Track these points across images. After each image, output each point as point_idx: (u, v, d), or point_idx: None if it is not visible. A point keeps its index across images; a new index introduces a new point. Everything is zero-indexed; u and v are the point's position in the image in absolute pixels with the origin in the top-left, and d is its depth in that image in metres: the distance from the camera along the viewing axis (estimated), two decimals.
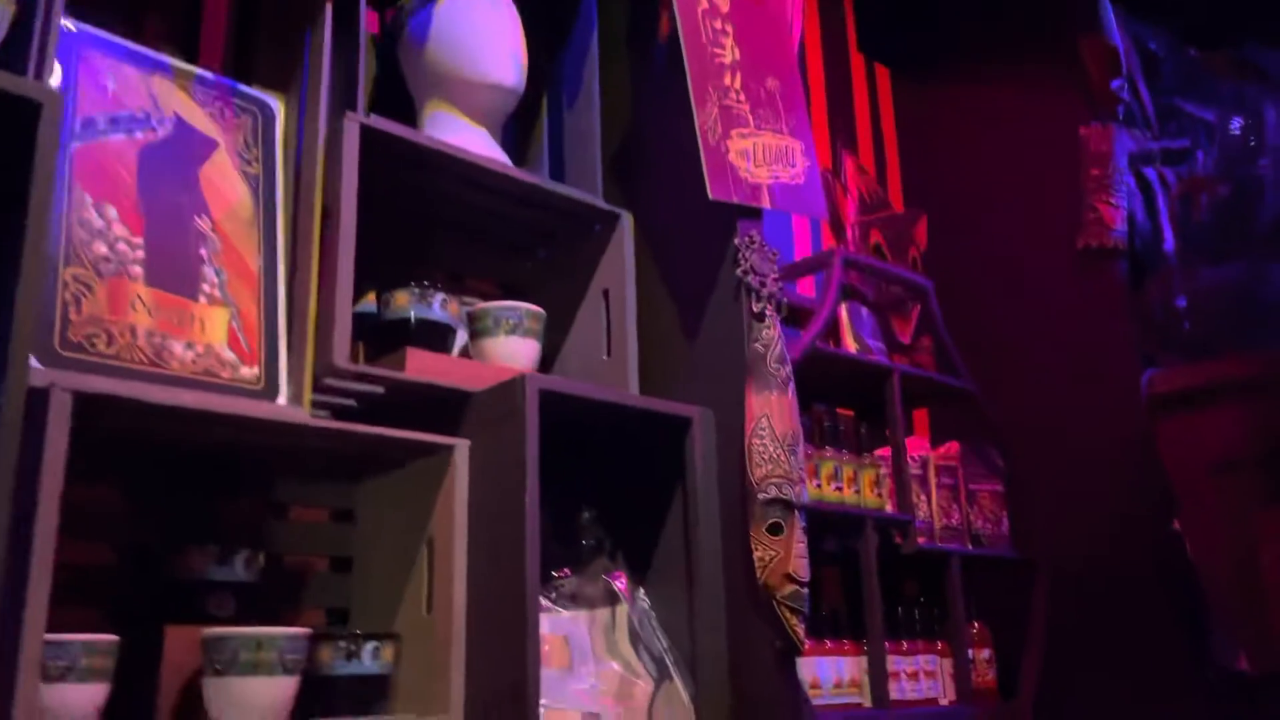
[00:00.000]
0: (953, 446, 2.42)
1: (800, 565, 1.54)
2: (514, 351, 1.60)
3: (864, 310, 2.39)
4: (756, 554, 1.55)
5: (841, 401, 2.28)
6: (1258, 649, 2.11)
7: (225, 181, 1.46)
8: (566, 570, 1.60)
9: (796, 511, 1.57)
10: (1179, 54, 2.81)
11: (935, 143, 3.05)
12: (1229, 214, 2.56)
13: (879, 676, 1.98)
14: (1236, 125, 2.58)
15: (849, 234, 2.77)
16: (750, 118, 1.73)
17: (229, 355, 1.37)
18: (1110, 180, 2.60)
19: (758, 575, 1.54)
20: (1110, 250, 2.56)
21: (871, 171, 3.01)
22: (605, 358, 1.77)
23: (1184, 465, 2.35)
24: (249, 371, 1.38)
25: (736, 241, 1.68)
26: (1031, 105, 2.85)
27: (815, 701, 1.88)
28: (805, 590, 1.54)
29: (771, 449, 1.58)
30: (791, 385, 1.64)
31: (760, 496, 1.56)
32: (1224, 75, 2.60)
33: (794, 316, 2.29)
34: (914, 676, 2.08)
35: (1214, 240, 2.57)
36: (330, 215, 1.45)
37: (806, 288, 2.58)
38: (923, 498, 2.25)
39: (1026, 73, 2.89)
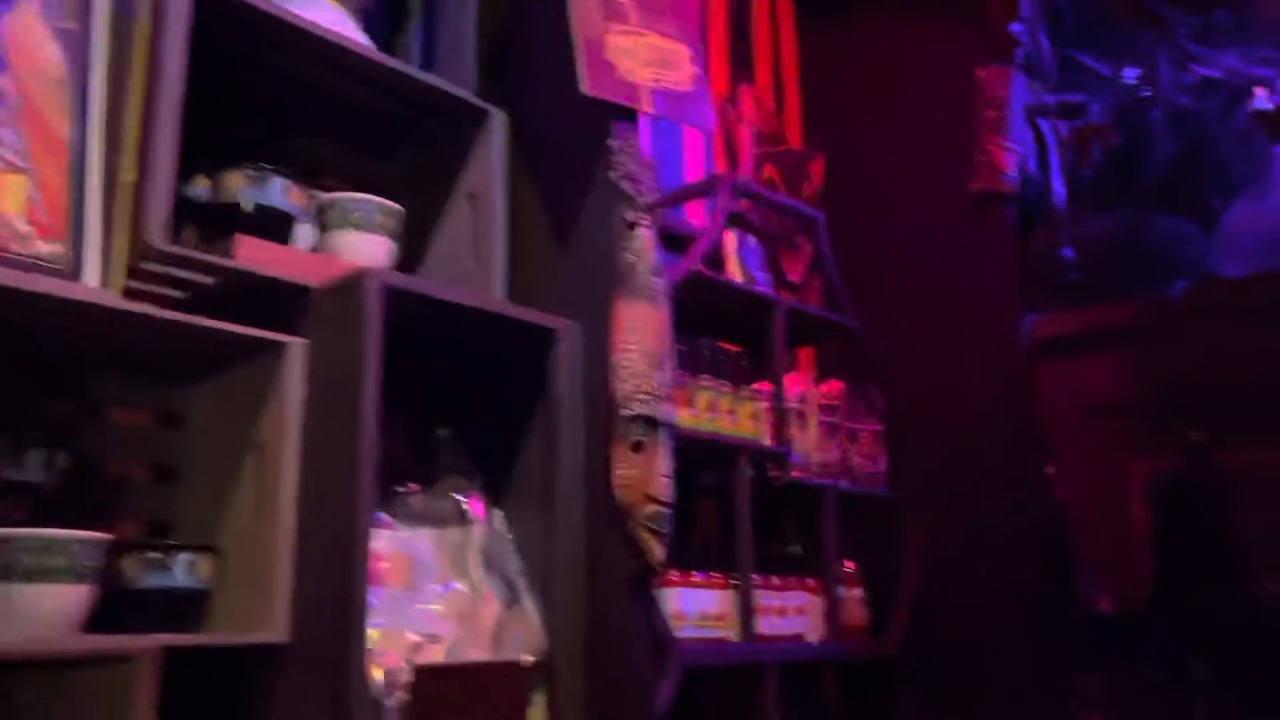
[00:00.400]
0: (835, 384, 2.38)
1: (662, 485, 1.47)
2: (364, 248, 1.47)
3: (753, 244, 2.32)
4: (617, 472, 1.47)
5: (727, 334, 2.21)
6: (1121, 590, 2.13)
7: (30, 36, 1.29)
8: (415, 486, 1.49)
9: (661, 430, 1.49)
10: (1081, 4, 2.79)
11: (835, 80, 2.98)
12: (1119, 163, 2.56)
13: (747, 611, 1.93)
14: (1131, 76, 2.57)
15: (742, 165, 2.69)
16: (634, 13, 1.62)
17: (24, 227, 1.21)
18: (1005, 124, 2.57)
19: (616, 494, 1.46)
20: (1001, 194, 2.54)
21: (770, 106, 2.93)
22: (471, 265, 1.66)
23: (1061, 410, 2.35)
24: (49, 248, 1.23)
25: (612, 144, 1.57)
26: (933, 47, 2.81)
27: (680, 633, 1.82)
28: (666, 511, 1.46)
29: (639, 364, 1.49)
30: (664, 300, 1.55)
31: (623, 413, 1.48)
32: (1123, 23, 2.58)
33: (679, 243, 2.20)
34: (783, 613, 2.04)
35: (1103, 189, 2.57)
36: (154, 81, 1.29)
37: (697, 217, 2.50)
38: (801, 433, 2.20)
39: (929, 13, 2.83)
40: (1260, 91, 2.44)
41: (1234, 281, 2.17)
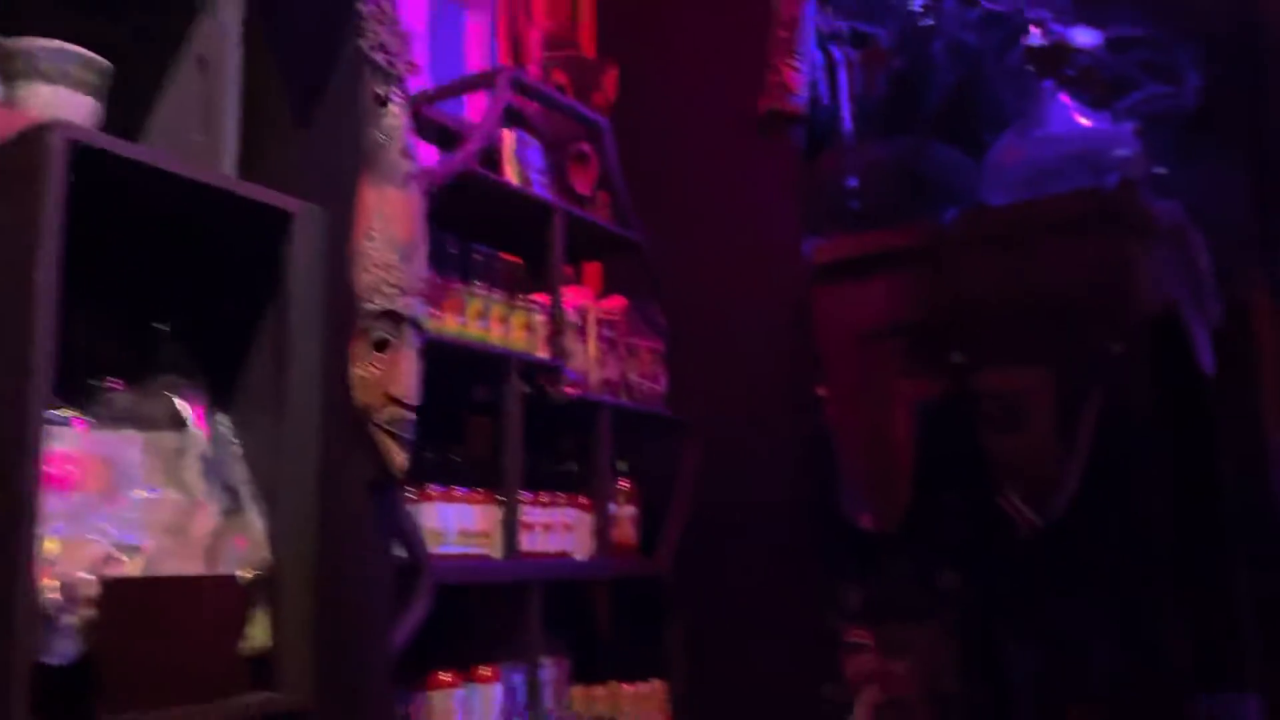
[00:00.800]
0: (618, 301, 2.32)
1: (406, 386, 1.35)
2: (56, 104, 1.26)
3: (535, 148, 2.20)
4: (356, 371, 1.34)
5: (506, 243, 2.10)
6: (882, 509, 2.18)
7: None
8: (118, 383, 1.31)
9: (409, 328, 1.37)
10: None
11: None
12: (902, 91, 2.59)
13: (511, 527, 1.86)
14: (918, 3, 2.59)
15: (530, 68, 2.56)
16: None
17: None
18: (796, 44, 2.54)
19: (355, 395, 1.33)
20: (790, 115, 2.51)
21: (564, 11, 2.80)
22: (199, 137, 1.46)
23: (835, 333, 2.37)
24: None
25: (362, 8, 1.41)
26: None
27: (437, 549, 1.72)
28: (409, 416, 1.35)
29: (384, 254, 1.36)
30: (417, 186, 1.41)
31: (365, 306, 1.34)
32: None
33: (454, 139, 2.05)
34: (550, 529, 1.97)
35: (886, 116, 2.59)
36: None
37: (478, 115, 2.35)
38: (579, 348, 2.13)
39: None
40: (1034, 30, 2.51)
41: (997, 210, 2.22)
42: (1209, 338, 2.76)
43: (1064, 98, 2.39)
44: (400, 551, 1.62)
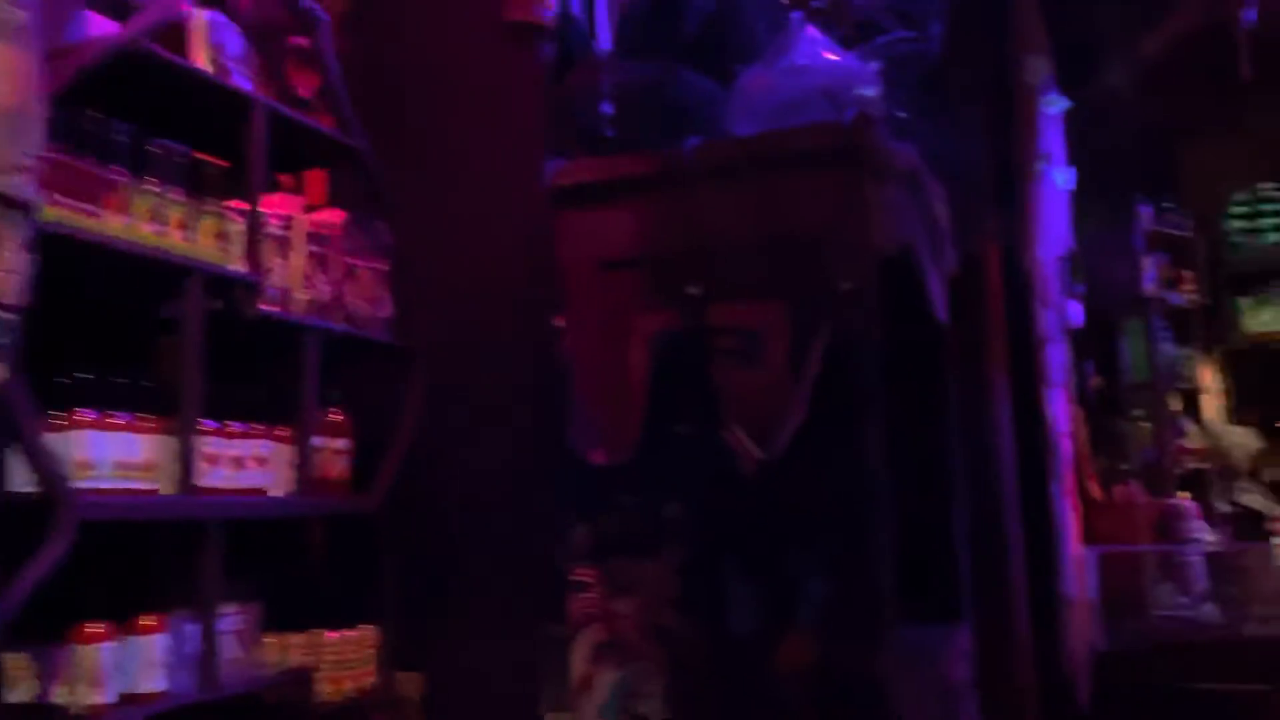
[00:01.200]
0: (334, 213, 2.10)
1: (8, 284, 1.12)
2: None
3: (237, 36, 1.93)
4: None
5: (204, 141, 1.83)
6: (612, 443, 2.10)
7: None
8: None
9: (15, 213, 1.13)
10: None
11: None
12: (657, 11, 2.48)
13: (185, 459, 1.64)
14: None
15: None
16: None
17: None
18: None
19: None
20: (538, 27, 2.36)
21: None
22: None
23: (577, 261, 2.26)
24: None
25: None
26: None
27: (86, 484, 1.49)
28: (10, 317, 1.12)
29: None
30: (30, 39, 1.17)
31: None
32: None
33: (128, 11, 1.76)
34: (238, 463, 1.76)
35: (640, 37, 2.48)
36: None
37: None
38: (282, 263, 1.91)
39: None
40: None
41: (738, 141, 2.17)
42: (944, 286, 2.85)
43: (813, 31, 2.35)
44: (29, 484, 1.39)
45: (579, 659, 2.05)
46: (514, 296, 2.23)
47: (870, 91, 2.30)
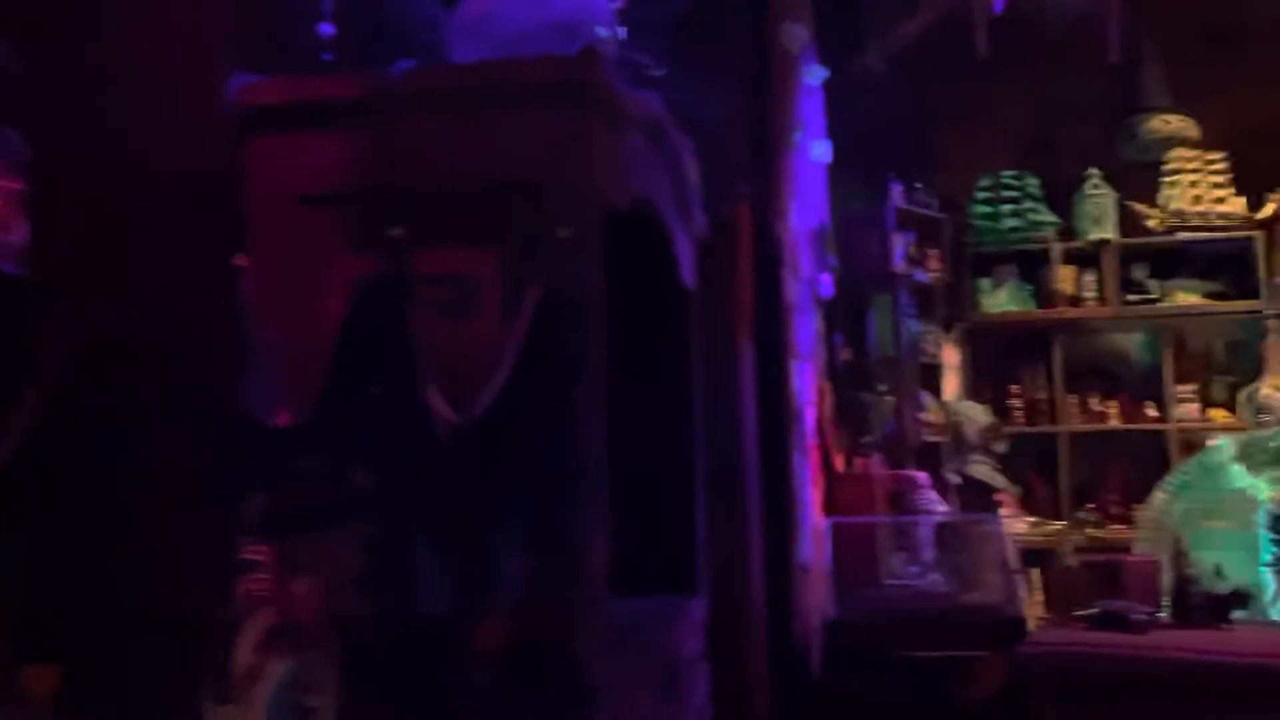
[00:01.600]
0: None
1: None
2: None
3: None
4: None
5: None
6: (294, 402, 1.84)
7: None
8: None
9: None
10: None
11: None
12: None
13: None
14: None
15: None
16: None
17: None
18: None
19: None
20: None
21: None
22: None
23: (270, 194, 1.98)
24: None
25: None
26: None
27: None
28: None
29: None
30: None
31: None
32: None
33: None
34: None
35: None
36: None
37: None
38: None
39: None
40: None
41: (454, 69, 1.95)
42: (692, 249, 2.74)
43: None
44: None
45: (245, 647, 1.79)
46: (183, 228, 1.92)
47: (605, 30, 2.14)
